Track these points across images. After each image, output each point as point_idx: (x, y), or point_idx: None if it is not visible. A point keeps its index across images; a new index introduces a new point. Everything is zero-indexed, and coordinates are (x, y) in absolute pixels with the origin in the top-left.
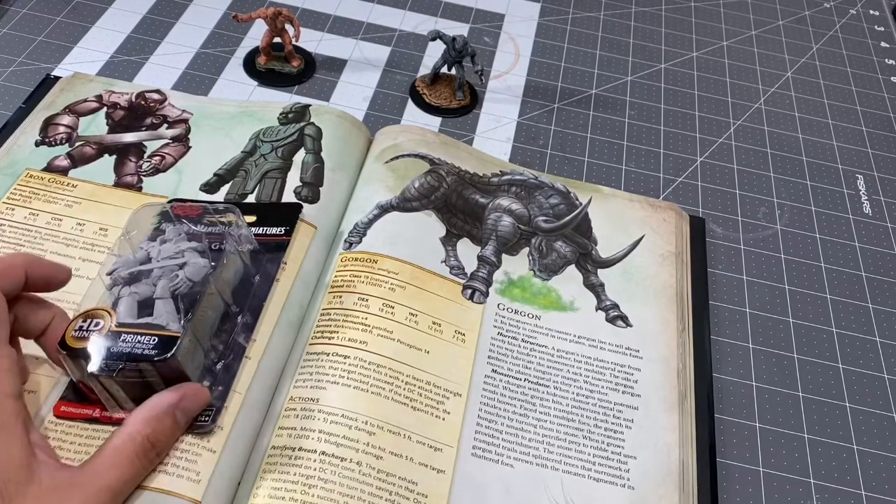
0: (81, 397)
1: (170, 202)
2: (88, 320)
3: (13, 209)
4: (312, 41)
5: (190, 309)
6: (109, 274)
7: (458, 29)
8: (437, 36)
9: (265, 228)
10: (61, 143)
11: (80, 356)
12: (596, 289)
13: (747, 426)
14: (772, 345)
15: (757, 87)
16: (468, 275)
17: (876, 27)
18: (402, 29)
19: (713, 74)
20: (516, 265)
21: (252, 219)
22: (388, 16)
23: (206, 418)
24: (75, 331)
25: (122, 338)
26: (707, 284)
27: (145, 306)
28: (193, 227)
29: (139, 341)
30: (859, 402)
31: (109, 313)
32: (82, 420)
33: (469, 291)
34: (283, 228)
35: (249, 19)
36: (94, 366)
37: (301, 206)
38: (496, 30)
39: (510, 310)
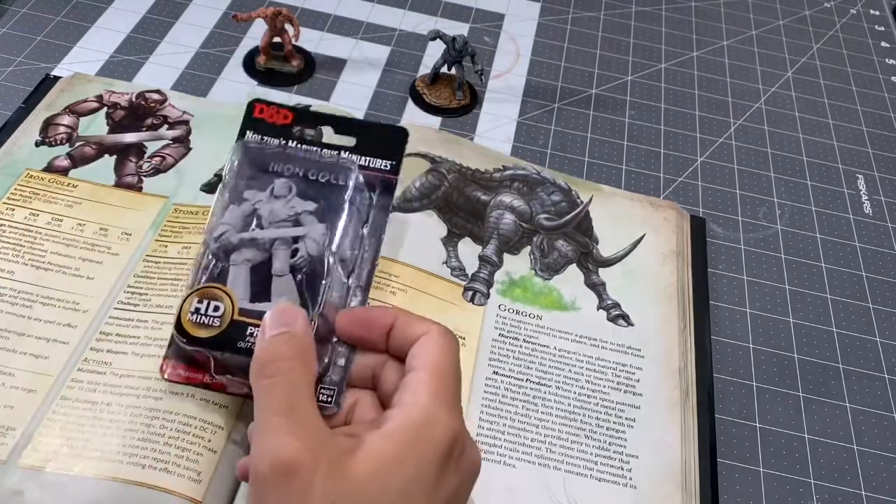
0: (189, 361)
1: (253, 101)
2: (205, 301)
3: (13, 209)
4: (312, 41)
5: (315, 294)
6: (217, 238)
7: (458, 29)
8: (437, 36)
9: (368, 160)
10: (61, 144)
11: (204, 347)
12: (597, 288)
13: (747, 426)
14: (772, 345)
15: (757, 87)
16: (469, 276)
17: (876, 27)
18: (402, 29)
19: (713, 74)
20: (518, 265)
21: (350, 142)
22: (388, 15)
23: (329, 400)
24: (192, 313)
25: (248, 331)
26: (707, 284)
27: (259, 281)
28: (305, 177)
29: None
30: (859, 402)
31: (227, 294)
32: (192, 385)
33: (470, 293)
34: (388, 163)
35: (249, 19)
36: (226, 365)
37: (407, 133)
38: (496, 30)
39: (511, 310)
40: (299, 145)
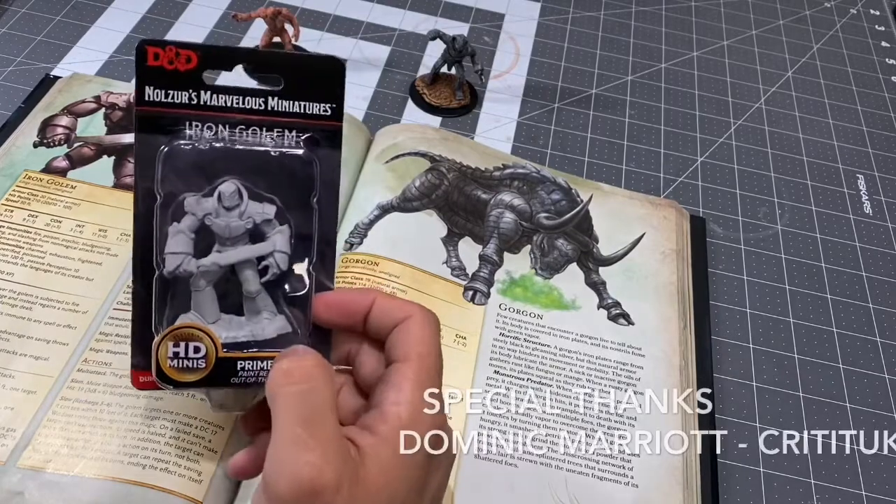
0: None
1: (143, 44)
2: (182, 344)
3: (12, 211)
4: (312, 41)
5: (301, 310)
6: (172, 271)
7: (458, 28)
8: (436, 35)
9: (302, 105)
10: (60, 145)
11: (194, 388)
12: (597, 287)
13: (747, 426)
14: (772, 345)
15: (757, 87)
16: (469, 275)
17: (876, 27)
18: (402, 28)
19: (713, 74)
20: (518, 264)
21: (275, 82)
22: (388, 15)
23: None
24: (170, 358)
25: (239, 366)
26: (707, 283)
27: (227, 299)
28: (251, 169)
29: (263, 369)
30: (859, 402)
31: (205, 332)
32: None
33: (470, 293)
34: (327, 106)
35: (249, 19)
36: (219, 401)
37: (344, 64)
38: (496, 29)
39: (512, 309)
40: (214, 96)
